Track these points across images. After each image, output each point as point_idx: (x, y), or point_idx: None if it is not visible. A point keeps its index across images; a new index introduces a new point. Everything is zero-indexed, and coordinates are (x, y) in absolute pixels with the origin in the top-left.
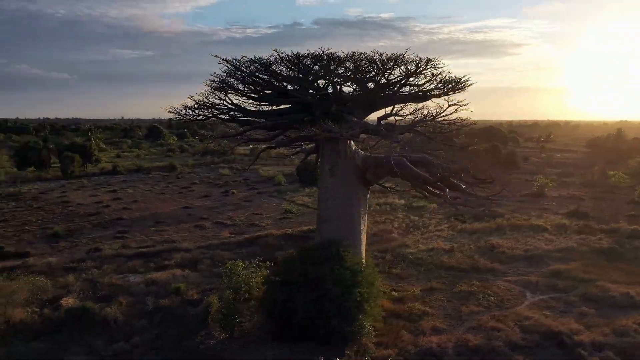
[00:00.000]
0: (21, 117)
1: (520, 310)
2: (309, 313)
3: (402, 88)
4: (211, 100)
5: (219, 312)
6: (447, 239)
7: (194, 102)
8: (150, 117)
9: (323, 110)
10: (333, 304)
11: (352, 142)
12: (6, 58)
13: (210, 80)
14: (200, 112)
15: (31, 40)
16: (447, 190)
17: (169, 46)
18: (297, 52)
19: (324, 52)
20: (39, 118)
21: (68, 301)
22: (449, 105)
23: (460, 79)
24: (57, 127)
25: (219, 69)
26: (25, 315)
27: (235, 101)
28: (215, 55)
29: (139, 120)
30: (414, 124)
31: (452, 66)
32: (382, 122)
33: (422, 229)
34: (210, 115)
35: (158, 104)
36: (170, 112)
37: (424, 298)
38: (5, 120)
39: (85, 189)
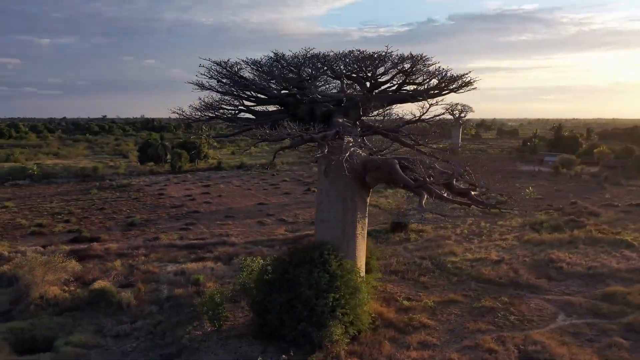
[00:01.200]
0: (173, 117)
1: (536, 333)
2: (282, 314)
3: (402, 87)
4: (218, 101)
5: (203, 305)
6: (504, 249)
7: (201, 103)
8: None
9: (307, 111)
10: (305, 307)
11: (350, 143)
12: (165, 63)
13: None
14: (205, 113)
15: (184, 47)
16: (425, 197)
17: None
18: (277, 52)
19: (308, 51)
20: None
21: (100, 284)
22: (431, 105)
23: (461, 76)
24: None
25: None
26: (59, 293)
27: (247, 103)
28: (208, 59)
29: None
30: (381, 125)
31: (604, 59)
32: (358, 122)
33: (484, 237)
34: (215, 116)
35: None
36: (174, 112)
37: (436, 310)
38: (152, 120)
39: (185, 183)
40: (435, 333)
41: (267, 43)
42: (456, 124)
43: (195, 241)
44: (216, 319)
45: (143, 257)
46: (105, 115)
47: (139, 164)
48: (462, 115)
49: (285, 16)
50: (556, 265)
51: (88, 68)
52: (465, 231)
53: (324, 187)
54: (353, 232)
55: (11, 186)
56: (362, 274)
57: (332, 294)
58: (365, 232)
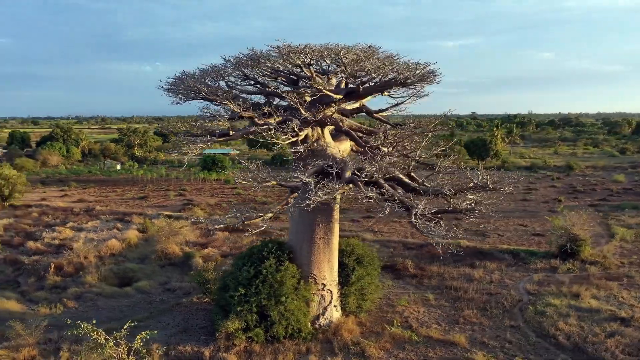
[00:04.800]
0: (565, 112)
1: None
2: (216, 297)
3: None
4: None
5: (192, 278)
6: None
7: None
8: None
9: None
10: (225, 295)
11: (319, 142)
12: (561, 56)
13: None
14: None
15: (589, 35)
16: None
17: None
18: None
19: (254, 52)
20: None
21: (209, 250)
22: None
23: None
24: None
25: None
26: (176, 250)
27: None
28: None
29: None
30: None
31: None
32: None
33: None
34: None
35: None
36: (204, 111)
37: (409, 346)
38: (514, 116)
39: None
40: None
41: None
42: None
43: None
44: (207, 292)
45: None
46: (475, 112)
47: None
48: None
49: None
50: None
51: (489, 65)
52: None
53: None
54: (310, 236)
55: None
56: (326, 281)
57: (240, 289)
58: (331, 237)
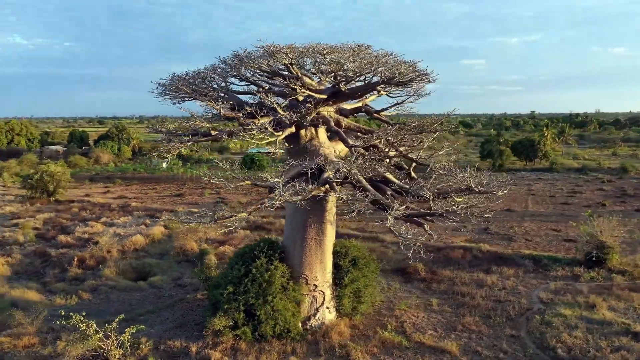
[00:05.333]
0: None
1: None
2: (209, 294)
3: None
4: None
5: (195, 274)
6: None
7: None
8: None
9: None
10: (217, 293)
11: (312, 142)
12: (630, 50)
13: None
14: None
15: None
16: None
17: None
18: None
19: (238, 53)
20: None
21: (226, 247)
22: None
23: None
24: None
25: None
26: (194, 247)
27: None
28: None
29: None
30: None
31: None
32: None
33: None
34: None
35: None
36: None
37: (397, 351)
38: (577, 115)
39: None
40: None
41: None
42: None
43: (354, 232)
44: (209, 288)
45: None
46: (534, 111)
47: (480, 160)
48: None
49: None
50: None
51: (551, 62)
52: None
53: None
54: (302, 236)
55: None
56: (318, 282)
57: (229, 287)
58: (324, 238)
